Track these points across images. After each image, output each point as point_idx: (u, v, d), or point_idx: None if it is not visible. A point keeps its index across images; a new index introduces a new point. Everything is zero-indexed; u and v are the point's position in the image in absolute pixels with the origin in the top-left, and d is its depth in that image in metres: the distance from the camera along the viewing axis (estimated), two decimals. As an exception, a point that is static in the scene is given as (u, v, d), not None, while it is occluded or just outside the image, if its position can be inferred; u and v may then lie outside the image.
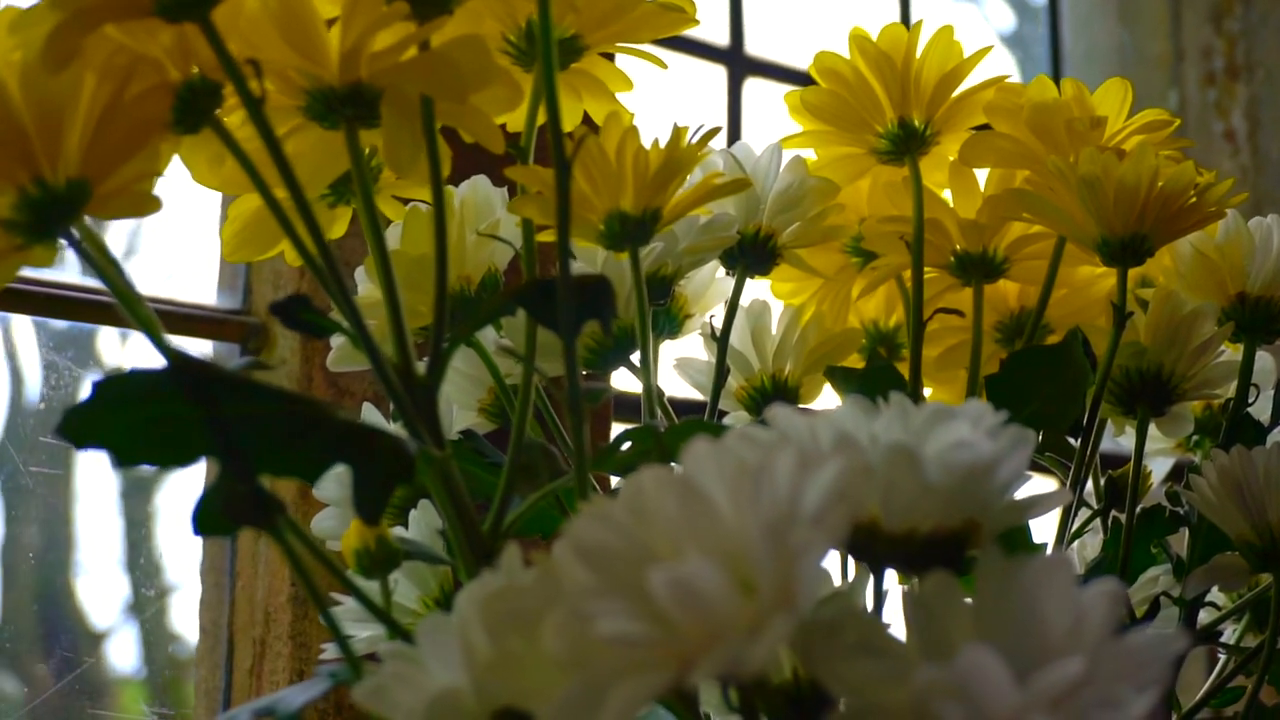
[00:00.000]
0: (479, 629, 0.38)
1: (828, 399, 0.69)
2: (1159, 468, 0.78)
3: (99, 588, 1.04)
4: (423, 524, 0.57)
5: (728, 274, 0.67)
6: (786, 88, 0.67)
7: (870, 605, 0.42)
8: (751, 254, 0.65)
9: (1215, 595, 0.69)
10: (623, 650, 0.33)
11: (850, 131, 0.66)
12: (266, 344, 0.93)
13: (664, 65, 0.57)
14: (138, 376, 0.41)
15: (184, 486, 1.07)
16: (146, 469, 1.02)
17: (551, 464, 0.53)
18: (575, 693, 0.34)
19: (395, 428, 0.52)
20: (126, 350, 1.05)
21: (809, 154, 0.68)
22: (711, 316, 0.67)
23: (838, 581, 0.50)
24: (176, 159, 0.50)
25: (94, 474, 1.04)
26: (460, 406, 0.66)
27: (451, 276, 0.59)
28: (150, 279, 1.04)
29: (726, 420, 0.67)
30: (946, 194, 0.67)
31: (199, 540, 0.97)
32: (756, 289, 0.72)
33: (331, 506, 0.62)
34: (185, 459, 0.42)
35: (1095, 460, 0.68)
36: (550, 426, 0.61)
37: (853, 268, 0.70)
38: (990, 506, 0.41)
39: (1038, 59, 1.67)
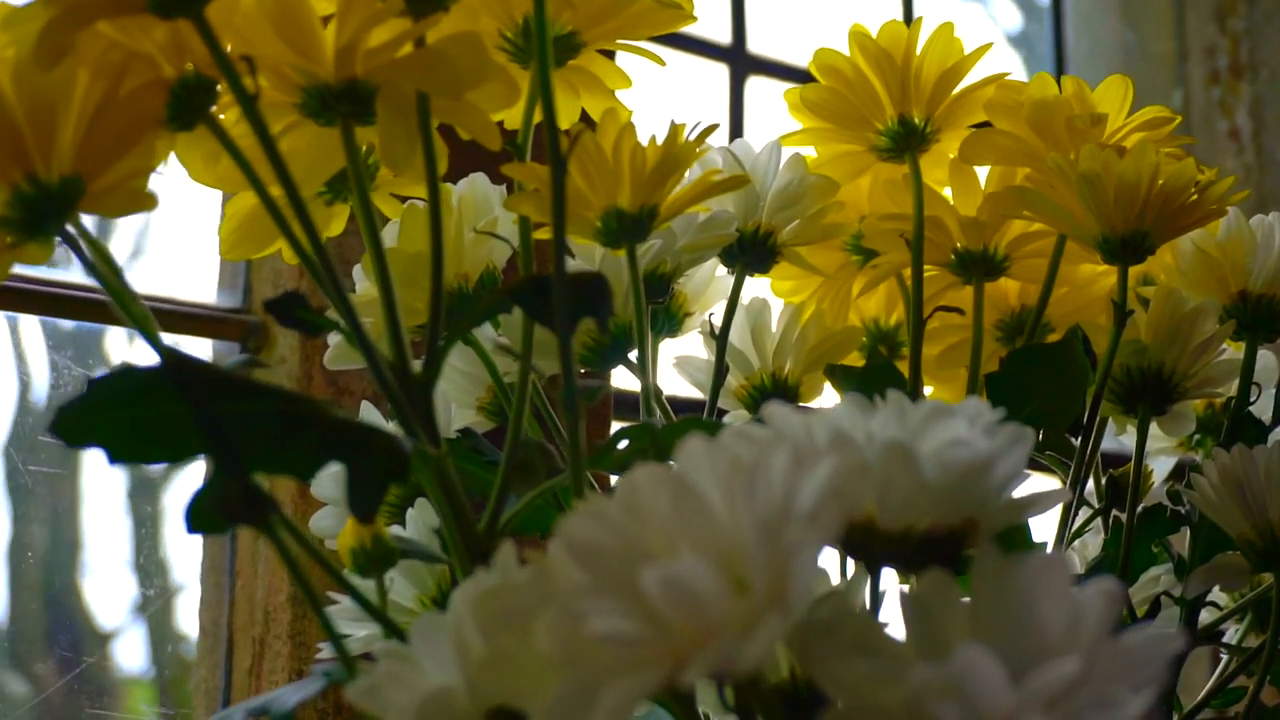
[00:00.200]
0: (472, 628, 0.38)
1: (829, 398, 0.68)
2: (1161, 467, 0.78)
3: (106, 588, 1.04)
4: (420, 522, 0.57)
5: (729, 272, 0.67)
6: (789, 86, 0.67)
7: (867, 604, 0.42)
8: (751, 252, 0.65)
9: (1218, 595, 0.69)
10: (615, 649, 0.33)
11: (850, 129, 0.66)
12: (266, 343, 0.93)
13: (662, 62, 0.57)
14: (131, 375, 0.41)
15: (191, 486, 1.06)
16: (153, 468, 1.02)
17: (549, 462, 0.53)
18: (568, 692, 0.34)
19: (393, 426, 0.52)
20: (134, 350, 1.05)
21: (810, 151, 0.68)
22: (711, 315, 0.67)
23: (836, 581, 0.50)
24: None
25: (101, 474, 1.04)
26: (459, 405, 0.65)
27: (449, 274, 0.59)
28: (157, 279, 1.04)
29: (726, 419, 0.67)
30: (947, 191, 0.67)
31: (201, 539, 0.97)
32: (757, 287, 0.72)
33: (329, 505, 0.62)
34: (178, 457, 0.42)
35: (1096, 459, 0.68)
36: (549, 425, 0.61)
37: (853, 266, 0.69)
38: (988, 505, 0.40)
39: (1042, 58, 1.67)
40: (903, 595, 0.36)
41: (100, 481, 1.04)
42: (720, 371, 0.64)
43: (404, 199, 0.59)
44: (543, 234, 0.53)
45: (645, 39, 0.56)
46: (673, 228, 0.60)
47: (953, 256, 0.65)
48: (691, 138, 0.53)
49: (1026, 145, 0.62)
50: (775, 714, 0.44)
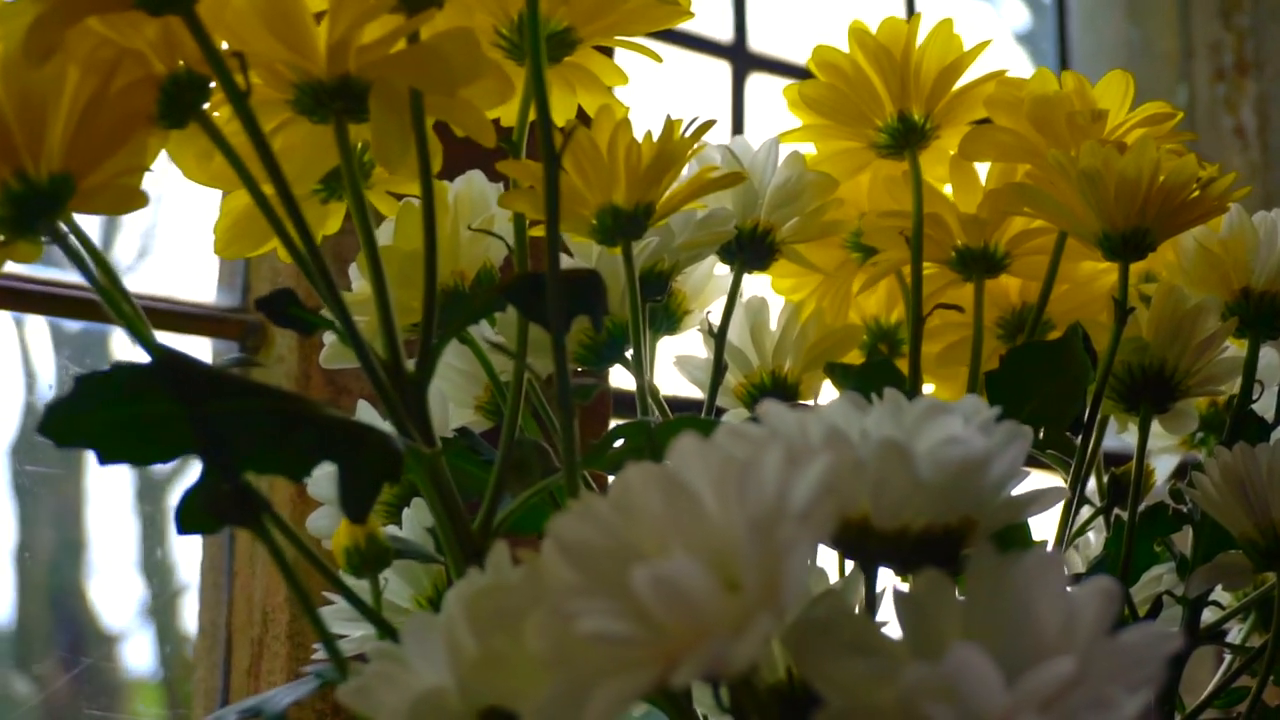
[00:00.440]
0: (464, 628, 0.38)
1: (829, 396, 0.68)
2: (1164, 465, 0.77)
3: (111, 589, 1.04)
4: (416, 522, 0.57)
5: (731, 271, 0.66)
6: (790, 83, 0.66)
7: (863, 604, 0.42)
8: (749, 249, 0.64)
9: (1221, 595, 0.68)
10: (606, 649, 0.33)
11: (849, 125, 0.66)
12: (265, 342, 0.93)
13: (659, 59, 0.57)
14: (121, 373, 0.41)
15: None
16: (159, 468, 1.02)
17: (544, 461, 0.52)
18: (558, 692, 0.33)
19: (390, 425, 0.52)
20: (140, 350, 1.04)
21: (809, 148, 0.68)
22: (709, 313, 0.66)
23: (835, 580, 0.50)
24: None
25: (106, 475, 1.04)
26: (456, 404, 0.65)
27: (446, 272, 0.58)
28: (164, 278, 1.04)
29: (726, 418, 0.67)
30: (947, 189, 0.67)
31: (201, 540, 0.97)
32: (757, 286, 0.71)
33: (326, 505, 0.62)
34: (170, 457, 0.41)
35: (1098, 457, 0.68)
36: (547, 424, 0.60)
37: (853, 263, 0.69)
38: (985, 503, 0.40)
39: (1047, 56, 1.66)
40: (897, 594, 0.36)
41: (106, 482, 1.04)
42: (719, 370, 0.63)
43: (400, 197, 0.59)
44: (539, 231, 0.52)
45: (642, 35, 0.56)
46: (670, 225, 0.60)
47: (953, 254, 0.64)
48: (688, 134, 0.52)
49: (1027, 142, 0.62)
50: (770, 714, 0.44)
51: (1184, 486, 0.60)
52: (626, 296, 0.56)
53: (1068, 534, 0.61)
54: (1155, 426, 0.66)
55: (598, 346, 0.59)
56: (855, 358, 0.68)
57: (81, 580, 1.07)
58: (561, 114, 0.55)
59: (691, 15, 0.55)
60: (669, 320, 0.67)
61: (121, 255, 1.11)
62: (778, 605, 0.32)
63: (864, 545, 0.39)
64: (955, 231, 0.64)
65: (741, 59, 1.36)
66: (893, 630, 0.37)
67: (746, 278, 0.66)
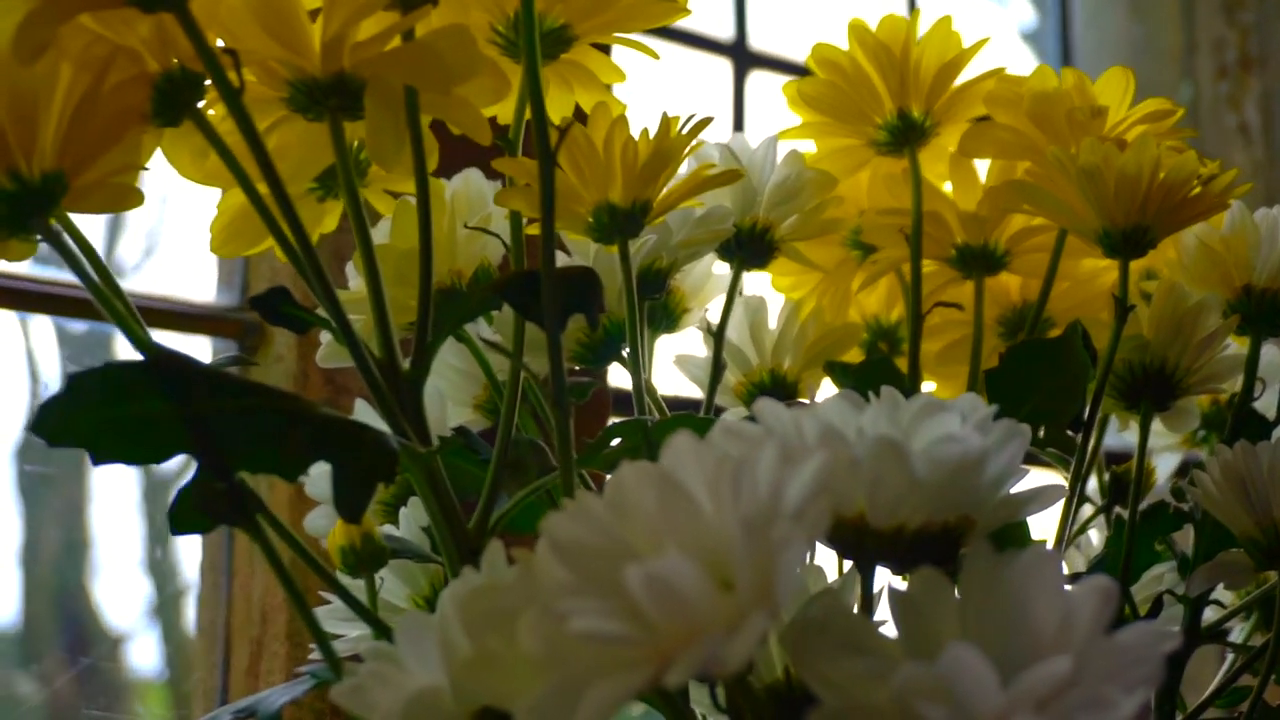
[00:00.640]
0: (458, 627, 0.38)
1: (829, 395, 0.68)
2: (1166, 464, 0.77)
3: (116, 589, 1.04)
4: (412, 521, 0.57)
5: (730, 269, 0.66)
6: (790, 80, 0.66)
7: (859, 603, 0.42)
8: (748, 247, 0.64)
9: (1223, 594, 0.68)
10: (599, 649, 0.33)
11: (848, 123, 0.66)
12: (263, 341, 0.93)
13: (656, 55, 0.56)
14: (113, 372, 0.41)
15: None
16: (165, 468, 1.02)
17: (541, 460, 0.52)
18: (551, 692, 0.33)
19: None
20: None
21: (809, 146, 0.67)
22: (707, 311, 0.66)
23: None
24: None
25: (113, 475, 1.04)
26: (455, 402, 0.65)
27: (443, 270, 0.58)
28: (170, 277, 1.04)
29: (725, 417, 0.66)
30: (947, 186, 0.67)
31: (200, 539, 0.97)
32: (757, 284, 0.71)
33: (324, 505, 0.61)
34: (162, 456, 0.41)
35: (1099, 456, 0.67)
36: (545, 423, 0.60)
37: (853, 261, 0.69)
38: (982, 502, 0.40)
39: (1051, 54, 1.66)
40: (892, 593, 0.36)
41: (111, 482, 1.04)
42: (717, 368, 0.63)
43: (398, 195, 0.59)
44: (536, 230, 0.52)
45: (639, 32, 0.56)
46: (669, 223, 0.60)
47: (953, 251, 0.64)
48: (685, 131, 0.52)
49: (1027, 139, 0.62)
50: (766, 714, 0.43)
51: (1185, 485, 0.60)
52: (623, 295, 0.55)
53: (1068, 533, 0.60)
54: (1157, 425, 0.65)
55: (595, 345, 0.58)
56: (855, 356, 0.68)
57: (86, 580, 1.07)
58: (558, 112, 0.55)
59: (688, 12, 0.54)
60: (668, 319, 0.67)
61: (126, 255, 1.12)
62: (771, 604, 0.32)
63: (860, 544, 0.39)
64: (955, 229, 0.64)
65: (742, 57, 1.35)
66: (891, 630, 0.37)
67: (747, 276, 0.66)
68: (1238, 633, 0.68)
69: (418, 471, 0.45)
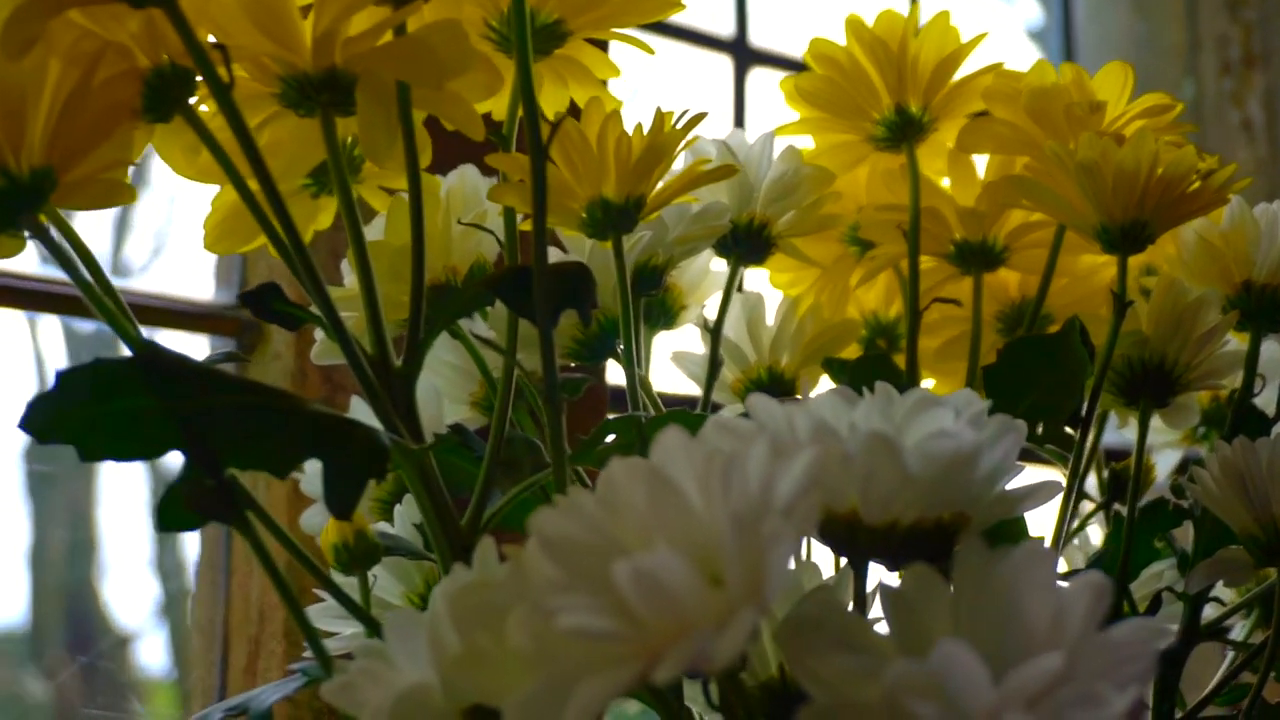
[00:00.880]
0: (448, 624, 0.37)
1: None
2: (1167, 461, 0.77)
3: (125, 588, 1.04)
4: (406, 518, 0.56)
5: (728, 265, 0.66)
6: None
7: (852, 600, 0.41)
8: (745, 243, 0.64)
9: (1224, 591, 0.67)
10: (588, 645, 0.33)
11: (846, 118, 0.65)
12: (261, 339, 0.92)
13: (651, 51, 0.56)
14: (102, 368, 0.41)
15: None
16: (171, 467, 1.02)
17: (536, 457, 0.52)
18: (540, 689, 0.33)
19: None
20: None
21: (808, 142, 0.67)
22: (705, 308, 0.66)
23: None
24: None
25: (120, 474, 1.04)
26: (451, 400, 0.65)
27: (438, 267, 0.58)
28: (177, 278, 1.04)
29: (723, 414, 0.66)
30: (945, 182, 0.66)
31: (199, 538, 0.97)
32: (756, 281, 0.71)
33: (320, 502, 0.61)
34: (151, 453, 0.41)
35: (1099, 452, 0.67)
36: (541, 420, 0.60)
37: (851, 257, 0.68)
38: (977, 498, 0.40)
39: (1055, 51, 1.66)
40: (884, 590, 0.35)
41: (119, 482, 1.04)
42: (714, 365, 0.63)
43: (393, 191, 0.59)
44: (529, 225, 0.52)
45: (635, 27, 0.55)
46: (664, 220, 0.59)
47: (951, 247, 0.64)
48: (679, 126, 0.52)
49: (1025, 134, 0.61)
50: (758, 711, 0.43)
51: (1184, 481, 0.60)
52: (618, 291, 0.55)
53: (1066, 530, 0.60)
54: (1157, 422, 0.65)
55: (590, 342, 0.58)
56: (854, 353, 0.68)
57: (94, 580, 1.07)
58: (553, 107, 0.55)
59: (683, 7, 0.54)
60: (665, 315, 0.66)
61: (134, 255, 1.12)
62: (761, 600, 0.32)
63: (853, 540, 0.39)
64: (953, 225, 0.64)
65: (743, 54, 1.35)
66: (885, 627, 0.36)
67: (747, 273, 0.66)
68: (1238, 630, 0.67)
69: (410, 468, 0.45)
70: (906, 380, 0.62)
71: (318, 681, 0.43)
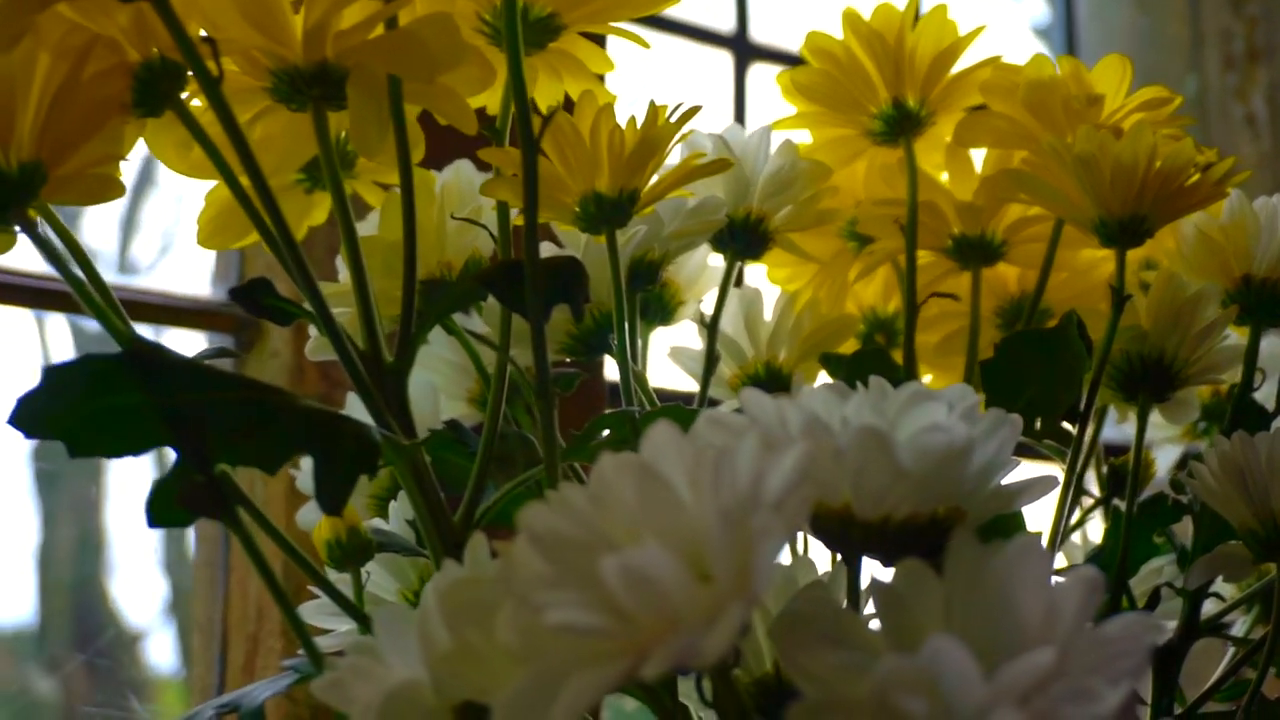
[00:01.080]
0: (438, 621, 0.37)
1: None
2: (1166, 456, 0.76)
3: (133, 586, 1.04)
4: (400, 515, 0.56)
5: (725, 260, 0.65)
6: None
7: (846, 595, 0.41)
8: (742, 238, 0.63)
9: (1223, 587, 0.67)
10: (576, 641, 0.32)
11: (843, 112, 0.65)
12: (259, 336, 0.92)
13: (646, 45, 0.56)
14: (91, 364, 0.40)
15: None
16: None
17: (530, 453, 0.52)
18: (528, 685, 0.33)
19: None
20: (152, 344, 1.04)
21: (805, 136, 0.67)
22: (702, 303, 0.66)
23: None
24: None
25: (128, 472, 1.03)
26: (448, 396, 0.64)
27: (432, 262, 0.58)
28: (185, 277, 1.03)
29: (721, 409, 0.66)
30: (944, 176, 0.66)
31: (196, 536, 0.97)
32: (754, 277, 0.70)
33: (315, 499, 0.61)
34: (140, 448, 0.41)
35: (1098, 448, 0.67)
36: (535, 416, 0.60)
37: (849, 252, 0.68)
38: (971, 493, 0.39)
39: (1058, 46, 1.65)
40: (875, 586, 0.35)
41: (127, 480, 1.04)
42: (711, 360, 0.62)
43: (388, 187, 0.59)
44: (522, 220, 0.52)
45: (629, 21, 0.55)
46: (661, 215, 0.59)
47: (949, 242, 0.64)
48: (673, 119, 0.52)
49: (1023, 127, 0.61)
50: (750, 707, 0.43)
51: (1183, 477, 0.59)
52: (612, 285, 0.55)
53: (1064, 525, 0.60)
54: (1157, 417, 0.65)
55: (585, 337, 0.58)
56: (852, 348, 0.67)
57: (102, 578, 1.06)
58: (548, 102, 0.55)
59: (676, 0, 0.54)
60: (662, 311, 0.66)
61: (141, 254, 1.11)
62: (750, 595, 0.31)
63: (846, 535, 0.39)
64: (951, 219, 0.63)
65: (743, 49, 1.35)
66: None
67: (745, 269, 0.65)
68: (1238, 626, 0.67)
69: (402, 464, 0.45)
70: (904, 375, 0.61)
71: (310, 678, 0.43)
